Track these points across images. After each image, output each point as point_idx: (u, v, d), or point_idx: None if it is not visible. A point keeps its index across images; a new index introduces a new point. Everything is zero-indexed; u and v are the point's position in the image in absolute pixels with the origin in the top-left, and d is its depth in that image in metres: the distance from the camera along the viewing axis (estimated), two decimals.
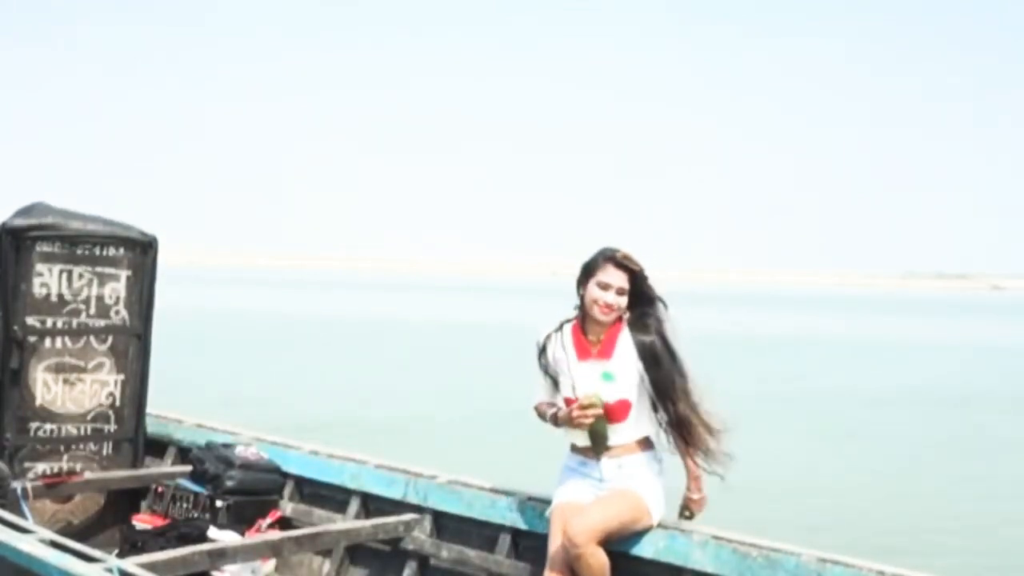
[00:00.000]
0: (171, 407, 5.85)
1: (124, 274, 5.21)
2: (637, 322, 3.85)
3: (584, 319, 3.91)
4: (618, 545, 3.81)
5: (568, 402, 3.83)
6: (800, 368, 23.34)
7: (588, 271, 3.86)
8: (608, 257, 3.82)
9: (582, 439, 3.86)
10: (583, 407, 3.73)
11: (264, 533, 4.69)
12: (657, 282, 3.88)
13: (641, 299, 3.86)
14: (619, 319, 3.85)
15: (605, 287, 3.80)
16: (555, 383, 3.92)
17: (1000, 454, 12.93)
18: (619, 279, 3.80)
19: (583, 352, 3.87)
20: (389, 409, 14.52)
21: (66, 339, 5.08)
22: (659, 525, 3.84)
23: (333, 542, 4.50)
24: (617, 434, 3.82)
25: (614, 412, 3.79)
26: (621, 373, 3.81)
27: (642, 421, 3.85)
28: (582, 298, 3.88)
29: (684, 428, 3.81)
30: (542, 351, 3.95)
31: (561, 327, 3.96)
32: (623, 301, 3.82)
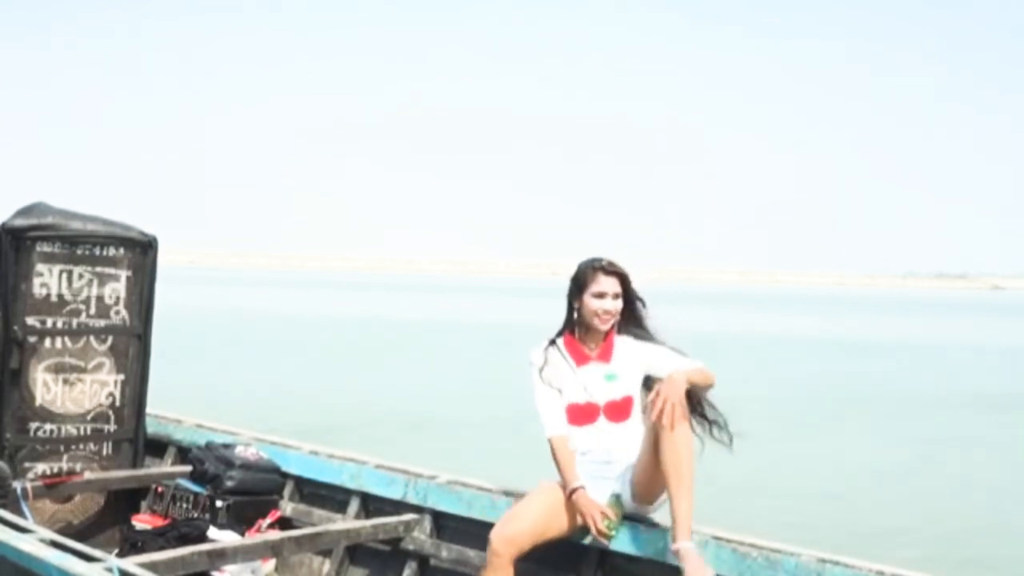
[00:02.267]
0: (171, 407, 5.86)
1: (124, 274, 5.21)
2: (625, 324, 4.02)
3: (579, 330, 4.03)
4: (619, 545, 3.84)
5: (572, 409, 3.93)
6: (800, 368, 23.35)
7: (579, 284, 3.99)
8: (597, 267, 3.97)
9: (582, 444, 3.94)
10: (606, 518, 3.79)
11: (264, 533, 4.69)
12: (636, 282, 4.05)
13: (627, 300, 4.02)
14: (612, 326, 4.00)
15: (601, 296, 3.94)
16: (559, 393, 3.98)
17: (1000, 454, 12.93)
18: (612, 285, 3.96)
19: (581, 358, 4.00)
20: (389, 409, 14.51)
21: (66, 339, 5.08)
22: (659, 525, 3.86)
23: (333, 542, 4.51)
24: (615, 431, 3.93)
25: (619, 409, 3.94)
26: (623, 372, 3.96)
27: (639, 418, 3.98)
28: (577, 311, 4.00)
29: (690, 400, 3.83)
30: (543, 365, 4.00)
31: (554, 341, 4.07)
32: (619, 304, 3.97)
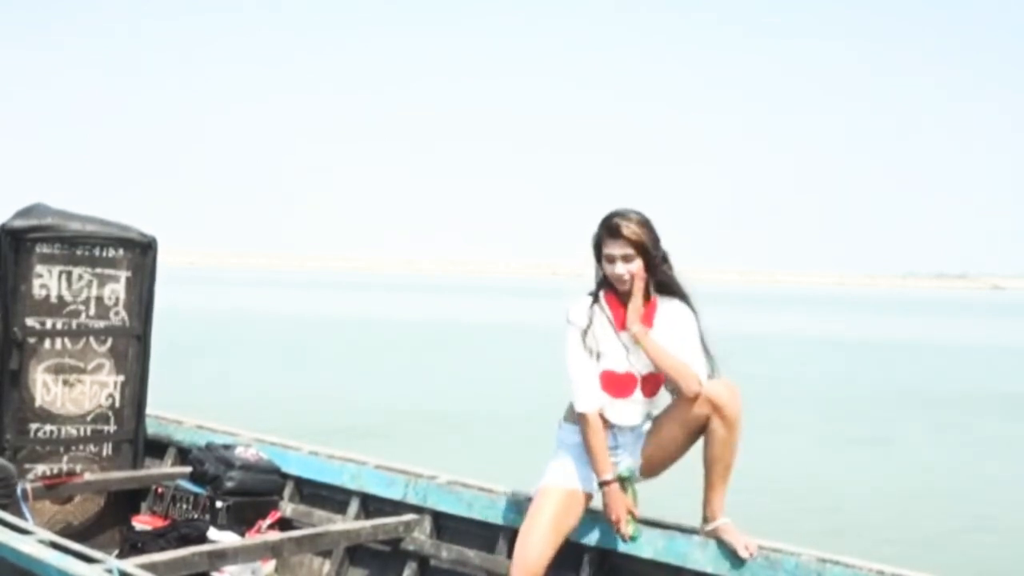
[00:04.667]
0: (171, 408, 5.85)
1: (124, 275, 5.21)
2: (659, 285, 3.74)
3: (615, 290, 3.75)
4: (618, 544, 3.84)
5: (608, 377, 3.69)
6: (800, 368, 23.34)
7: (596, 246, 3.74)
8: (607, 228, 3.67)
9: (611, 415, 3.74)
10: (628, 519, 3.71)
11: (264, 534, 4.68)
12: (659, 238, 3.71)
13: (650, 260, 3.69)
14: (647, 286, 3.69)
15: (611, 260, 3.67)
16: (597, 358, 3.71)
17: (999, 454, 12.93)
18: (620, 247, 3.64)
19: (622, 323, 3.72)
20: (389, 409, 14.51)
21: (66, 340, 5.08)
22: (658, 525, 3.86)
23: (333, 543, 4.50)
24: (647, 404, 3.80)
25: (656, 383, 3.76)
26: (664, 342, 3.71)
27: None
28: (603, 272, 3.75)
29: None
30: (587, 327, 3.70)
31: (596, 298, 3.75)
32: (634, 267, 3.65)
